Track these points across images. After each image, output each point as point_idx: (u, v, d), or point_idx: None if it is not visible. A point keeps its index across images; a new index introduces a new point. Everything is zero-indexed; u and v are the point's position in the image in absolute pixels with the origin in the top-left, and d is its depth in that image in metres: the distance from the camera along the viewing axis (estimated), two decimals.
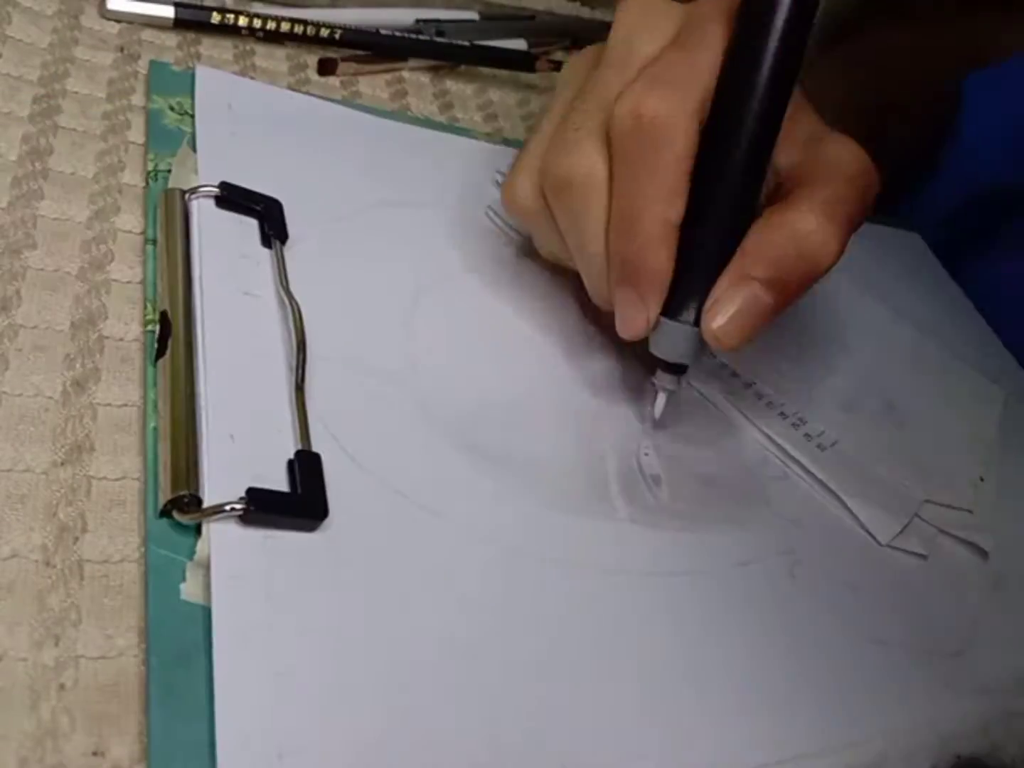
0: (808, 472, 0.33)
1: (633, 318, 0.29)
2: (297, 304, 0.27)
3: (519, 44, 0.50)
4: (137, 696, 0.20)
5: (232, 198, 0.30)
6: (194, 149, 0.32)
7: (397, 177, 0.36)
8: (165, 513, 0.22)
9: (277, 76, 0.40)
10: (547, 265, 0.34)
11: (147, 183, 0.31)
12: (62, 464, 0.23)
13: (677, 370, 0.30)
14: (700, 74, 0.27)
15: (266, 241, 0.30)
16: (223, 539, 0.21)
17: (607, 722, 0.23)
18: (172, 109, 0.34)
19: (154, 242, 0.29)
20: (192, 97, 0.34)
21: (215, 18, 0.39)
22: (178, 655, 0.20)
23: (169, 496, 0.22)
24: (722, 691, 0.25)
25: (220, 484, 0.22)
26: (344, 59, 0.42)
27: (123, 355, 0.26)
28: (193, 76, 0.35)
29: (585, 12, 0.60)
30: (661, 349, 0.30)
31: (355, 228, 0.33)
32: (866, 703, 0.27)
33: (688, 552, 0.28)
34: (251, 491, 0.22)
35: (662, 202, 0.27)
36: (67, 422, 0.24)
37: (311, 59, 0.42)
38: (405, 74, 0.45)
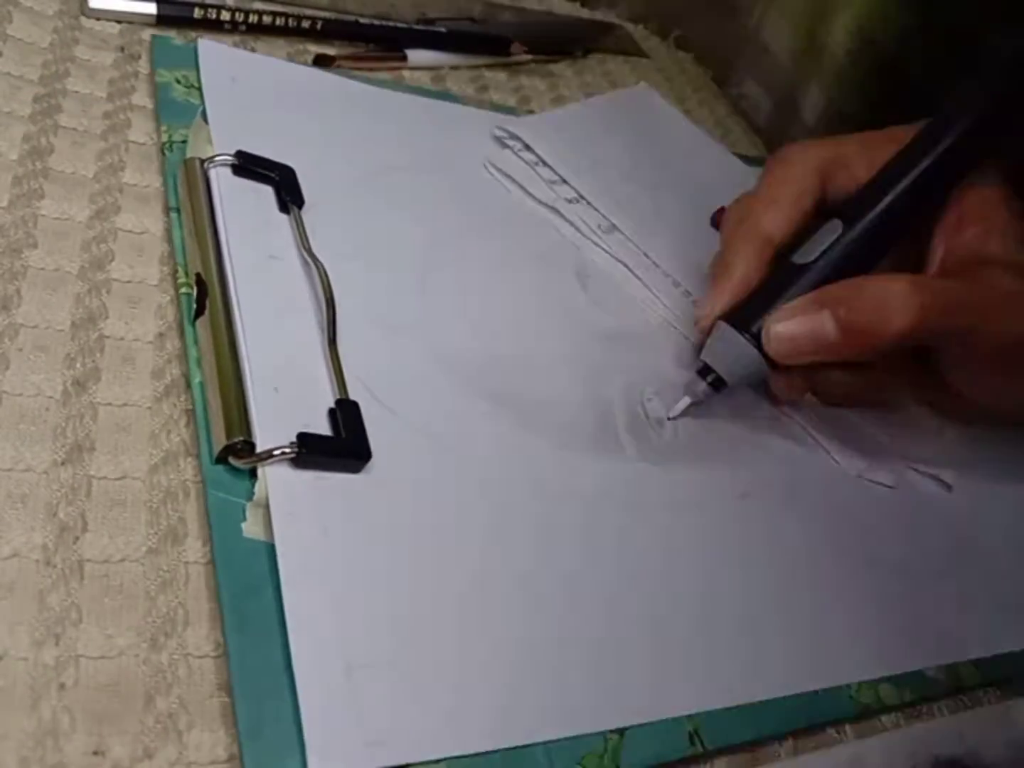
0: (784, 413, 0.35)
1: (702, 306, 0.32)
2: (322, 265, 0.29)
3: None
4: (137, 695, 0.20)
5: (248, 166, 0.32)
6: (206, 121, 0.33)
7: (399, 143, 0.38)
8: (221, 459, 0.24)
9: None
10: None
11: (163, 153, 0.32)
12: (63, 464, 0.23)
13: (715, 384, 0.31)
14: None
15: (283, 207, 0.31)
16: (279, 481, 0.23)
17: (614, 636, 0.25)
18: (179, 82, 0.35)
19: (176, 210, 0.30)
20: (197, 70, 0.36)
21: (197, 13, 0.39)
22: (246, 587, 0.22)
23: (225, 443, 0.24)
24: (725, 615, 0.27)
25: (270, 431, 0.24)
26: (343, 56, 0.42)
27: (123, 354, 0.26)
28: (195, 50, 0.37)
29: (584, 13, 0.61)
30: (712, 355, 0.31)
31: (364, 192, 0.35)
32: (861, 621, 0.29)
33: (692, 486, 0.30)
34: (302, 436, 0.24)
35: (765, 214, 0.31)
36: (67, 422, 0.24)
37: (310, 58, 0.42)
38: (405, 73, 0.45)
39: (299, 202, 0.32)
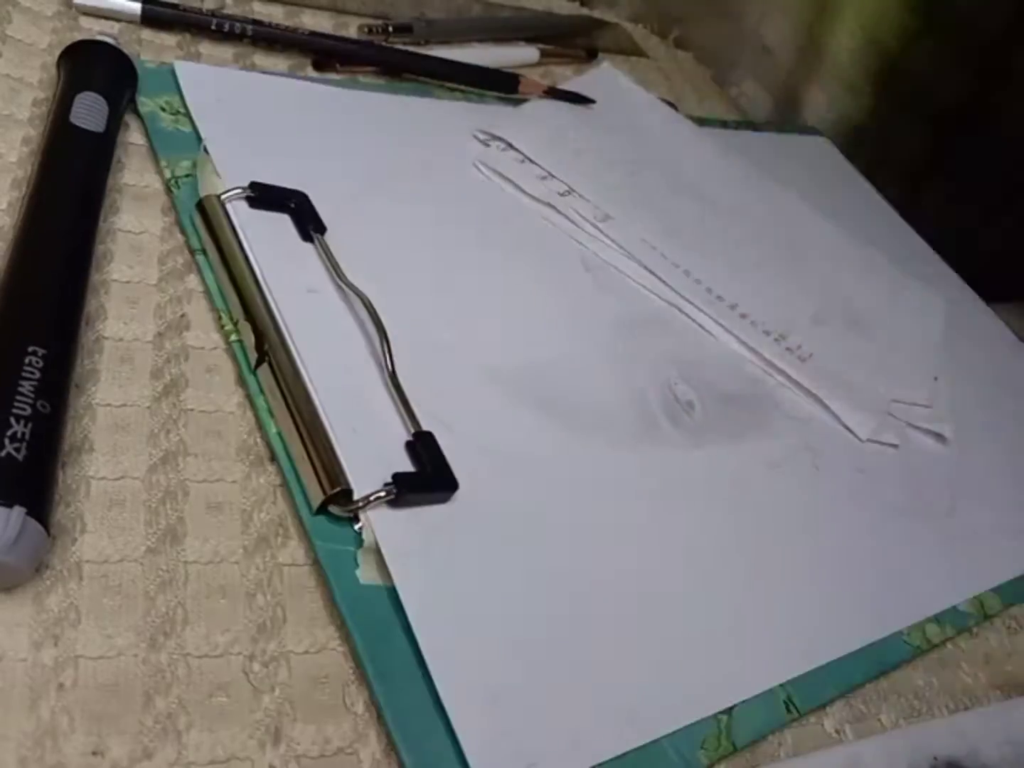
0: (793, 381, 0.37)
1: None
2: (365, 295, 0.29)
3: (526, 49, 0.51)
4: (136, 695, 0.20)
5: (263, 197, 0.31)
6: (207, 152, 0.32)
7: (398, 147, 0.38)
8: (321, 510, 0.24)
9: None
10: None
11: (169, 190, 0.31)
12: (62, 465, 0.23)
13: None
14: None
15: (305, 235, 0.31)
16: (383, 524, 0.24)
17: (711, 621, 0.26)
18: (164, 110, 0.34)
19: (202, 252, 0.30)
20: (179, 94, 0.35)
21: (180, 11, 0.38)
22: (375, 632, 0.22)
23: (325, 495, 0.24)
24: (795, 581, 0.29)
25: (362, 474, 0.24)
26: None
27: (122, 356, 0.26)
28: (173, 72, 0.35)
29: (584, 12, 0.61)
30: None
31: (372, 207, 0.34)
32: (898, 568, 0.31)
33: (730, 463, 0.32)
34: (397, 476, 0.24)
35: None
36: (67, 423, 0.24)
37: (309, 60, 0.42)
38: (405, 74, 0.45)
39: (321, 229, 0.31)
